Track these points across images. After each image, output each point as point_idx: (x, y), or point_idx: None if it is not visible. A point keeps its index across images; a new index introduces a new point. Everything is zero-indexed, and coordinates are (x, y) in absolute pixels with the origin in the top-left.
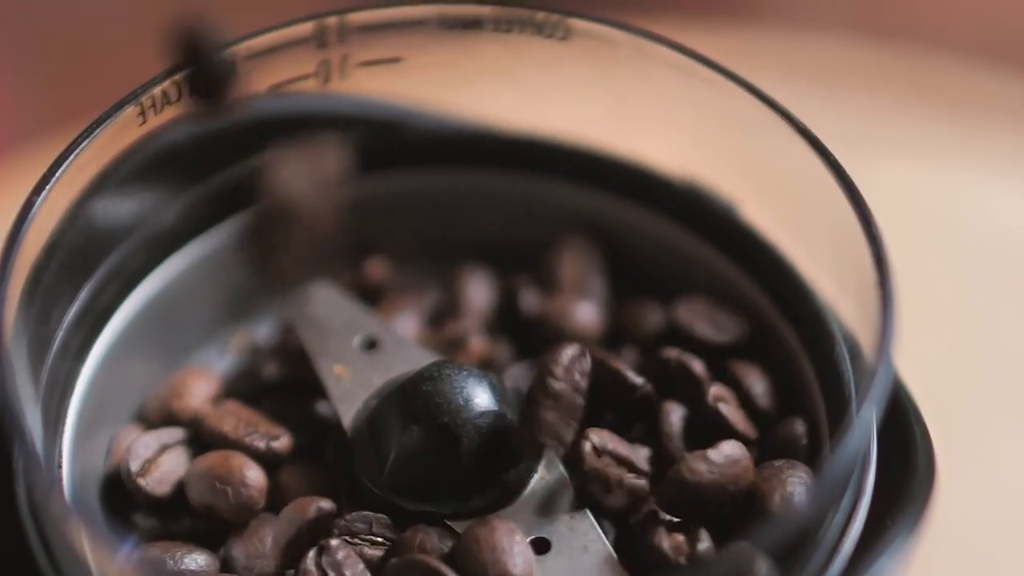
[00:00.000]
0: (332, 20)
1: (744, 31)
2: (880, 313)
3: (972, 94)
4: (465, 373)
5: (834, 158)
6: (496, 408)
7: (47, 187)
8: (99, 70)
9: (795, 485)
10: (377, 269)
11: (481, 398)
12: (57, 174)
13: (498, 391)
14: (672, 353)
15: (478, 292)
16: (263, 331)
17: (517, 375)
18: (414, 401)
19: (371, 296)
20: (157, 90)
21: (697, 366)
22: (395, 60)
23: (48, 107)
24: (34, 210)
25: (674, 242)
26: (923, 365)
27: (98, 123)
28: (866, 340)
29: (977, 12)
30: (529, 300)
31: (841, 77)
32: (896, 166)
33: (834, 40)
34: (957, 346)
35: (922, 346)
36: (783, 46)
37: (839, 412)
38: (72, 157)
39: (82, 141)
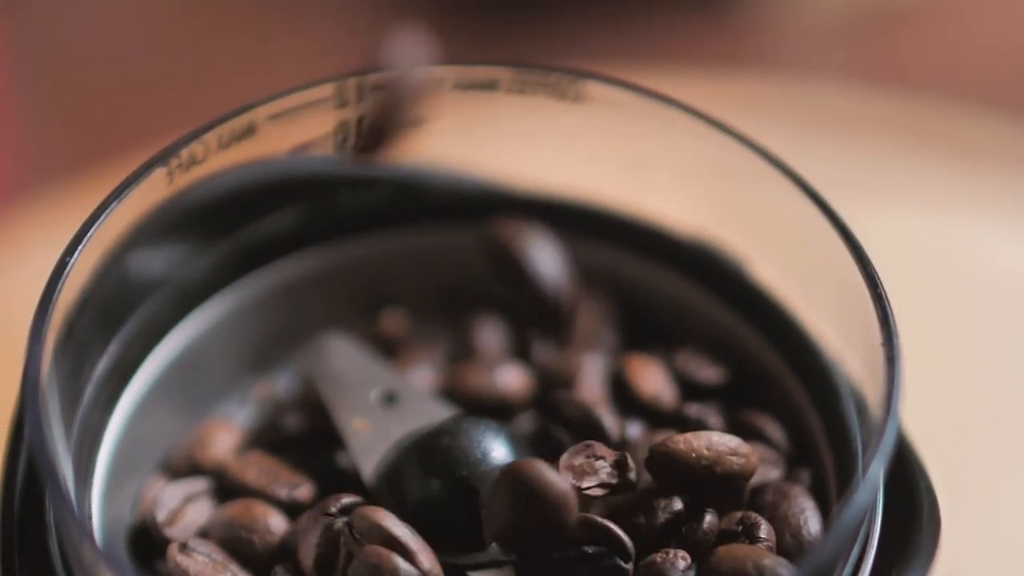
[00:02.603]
0: (351, 81)
1: (745, 79)
2: (886, 372)
3: (972, 139)
4: (483, 427)
5: (840, 219)
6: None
7: (79, 247)
8: (113, 114)
9: (798, 516)
10: (393, 321)
11: (498, 451)
12: (88, 234)
13: (514, 444)
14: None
15: (491, 340)
16: (284, 383)
17: (528, 423)
18: (433, 455)
19: (387, 348)
20: (184, 152)
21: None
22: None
23: (65, 149)
24: (67, 270)
25: (685, 297)
26: (926, 412)
27: (127, 184)
28: (872, 394)
29: (975, 58)
30: (541, 351)
31: (842, 123)
32: (897, 211)
33: (835, 87)
34: (960, 392)
35: (925, 393)
36: (784, 94)
37: (846, 465)
38: (102, 218)
39: (111, 202)
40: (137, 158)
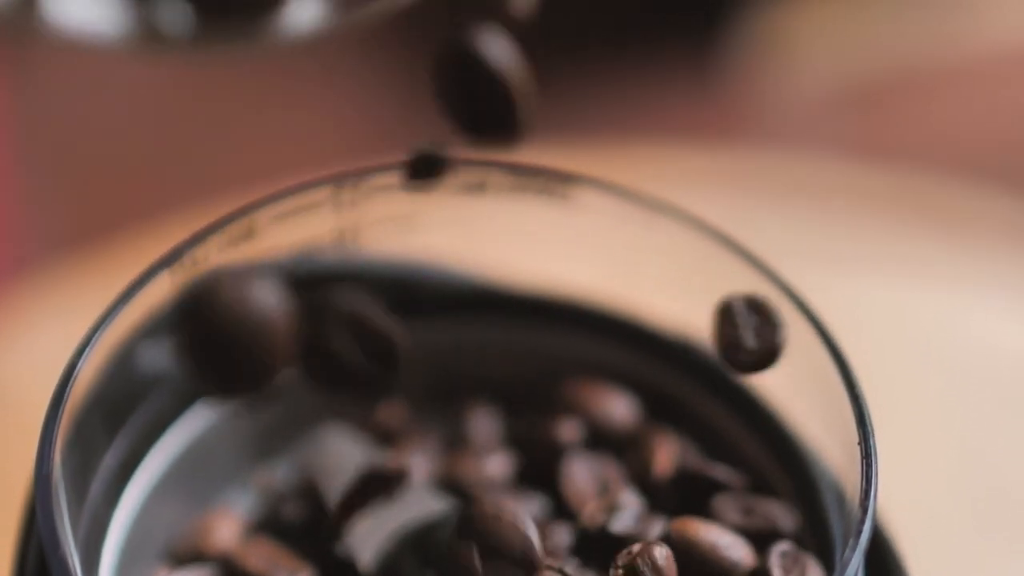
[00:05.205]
0: (348, 182)
1: (733, 152)
2: (862, 470)
3: (962, 213)
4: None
5: (821, 322)
6: None
7: (86, 351)
8: (117, 190)
9: None
10: (390, 413)
11: None
12: (95, 338)
13: None
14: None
15: (484, 429)
16: (283, 472)
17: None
18: (428, 546)
19: (385, 439)
20: (187, 256)
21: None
22: (406, 218)
23: (69, 225)
24: (75, 373)
25: (668, 389)
26: (908, 493)
27: (132, 289)
28: (851, 485)
29: (964, 132)
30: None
31: (830, 196)
32: (884, 284)
33: (823, 160)
34: (941, 471)
35: (905, 472)
36: (772, 166)
37: (826, 556)
38: (109, 321)
39: (118, 307)
40: (140, 234)
